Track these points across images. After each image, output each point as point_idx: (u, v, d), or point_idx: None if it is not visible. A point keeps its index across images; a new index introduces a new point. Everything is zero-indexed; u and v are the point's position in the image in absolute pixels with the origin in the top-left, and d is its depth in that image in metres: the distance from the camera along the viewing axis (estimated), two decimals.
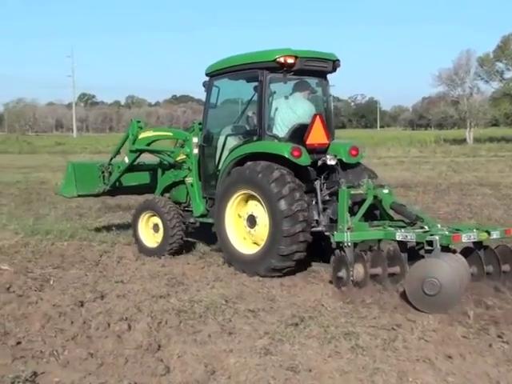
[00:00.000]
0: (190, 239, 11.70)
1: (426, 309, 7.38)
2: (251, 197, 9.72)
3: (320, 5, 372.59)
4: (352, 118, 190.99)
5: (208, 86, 10.74)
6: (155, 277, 9.30)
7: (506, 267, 8.31)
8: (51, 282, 8.88)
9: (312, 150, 9.88)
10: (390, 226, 8.94)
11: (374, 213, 9.56)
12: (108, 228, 13.48)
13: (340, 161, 9.92)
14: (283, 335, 6.60)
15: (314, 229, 9.43)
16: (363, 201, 9.33)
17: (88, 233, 13.13)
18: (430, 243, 7.84)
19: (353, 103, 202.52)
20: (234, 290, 8.46)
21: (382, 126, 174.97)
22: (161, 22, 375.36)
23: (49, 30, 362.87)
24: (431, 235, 7.95)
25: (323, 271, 9.49)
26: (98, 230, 13.57)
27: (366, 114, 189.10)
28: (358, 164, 10.20)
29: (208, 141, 10.75)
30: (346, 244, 8.39)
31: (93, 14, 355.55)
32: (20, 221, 14.64)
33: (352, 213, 9.22)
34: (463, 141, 62.55)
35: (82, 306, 7.69)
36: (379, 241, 8.87)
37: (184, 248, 11.23)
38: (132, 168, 12.51)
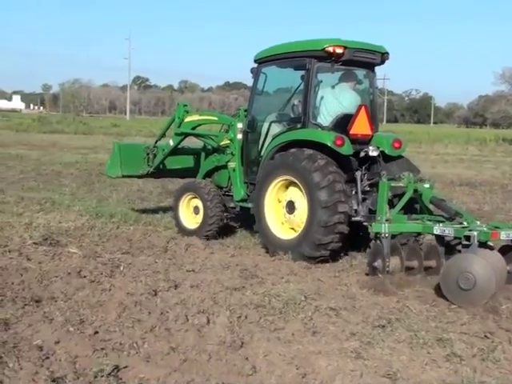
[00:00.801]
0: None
1: (459, 303, 7.41)
2: (292, 183, 9.83)
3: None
4: (405, 113, 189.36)
5: (256, 73, 10.90)
6: (227, 267, 8.95)
7: None
8: (121, 268, 8.58)
9: (355, 141, 9.95)
10: (428, 220, 8.97)
11: (414, 206, 9.58)
12: (171, 213, 13.24)
13: (382, 153, 10.03)
14: (371, 337, 6.25)
15: (352, 218, 9.52)
16: (403, 194, 9.36)
17: (152, 218, 13.00)
18: (468, 238, 7.85)
19: (407, 98, 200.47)
20: (310, 286, 8.08)
21: (435, 122, 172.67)
22: (216, 8, 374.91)
23: (106, 12, 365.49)
24: (470, 231, 7.95)
25: None
26: (161, 214, 13.38)
27: (420, 110, 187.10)
28: (400, 157, 10.25)
29: (252, 127, 10.87)
30: (383, 235, 8.41)
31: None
32: (83, 202, 14.55)
33: (391, 205, 9.40)
34: None
35: (155, 295, 7.40)
36: (418, 234, 9.00)
37: (250, 238, 11.25)
38: (176, 151, 12.75)
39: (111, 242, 10.43)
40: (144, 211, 13.65)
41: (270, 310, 6.95)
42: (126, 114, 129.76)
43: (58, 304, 7.00)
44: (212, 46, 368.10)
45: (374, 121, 10.30)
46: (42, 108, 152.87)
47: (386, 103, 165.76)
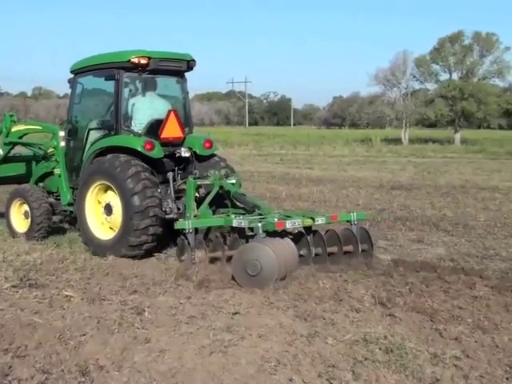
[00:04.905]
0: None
1: (249, 287, 8.04)
2: (109, 187, 10.29)
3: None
4: (264, 116, 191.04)
5: (72, 83, 11.43)
6: (270, 305, 7.40)
7: (332, 249, 9.31)
8: (146, 315, 6.97)
9: (168, 143, 10.71)
10: (233, 214, 9.72)
11: (225, 201, 10.49)
12: None
13: (195, 153, 10.84)
14: None
15: (167, 216, 10.13)
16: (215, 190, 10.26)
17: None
18: (252, 229, 8.74)
19: (265, 101, 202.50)
20: (394, 326, 6.67)
21: (294, 124, 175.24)
22: (67, 9, 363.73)
23: None
24: (260, 222, 8.75)
25: None
26: None
27: (279, 112, 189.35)
28: (212, 156, 11.17)
29: (72, 134, 11.48)
30: (187, 230, 9.02)
31: None
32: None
33: (208, 202, 10.15)
34: (397, 140, 62.14)
35: (226, 352, 5.85)
36: (232, 227, 9.35)
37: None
38: (9, 159, 13.13)
39: (99, 277, 8.70)
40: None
41: (391, 366, 5.56)
42: None
43: (116, 376, 5.32)
44: (66, 51, 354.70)
45: (187, 123, 11.27)
46: None
47: (247, 107, 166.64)
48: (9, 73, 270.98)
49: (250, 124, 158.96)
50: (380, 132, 77.49)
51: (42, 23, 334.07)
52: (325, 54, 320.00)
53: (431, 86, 66.13)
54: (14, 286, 7.97)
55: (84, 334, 6.26)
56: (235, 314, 7.07)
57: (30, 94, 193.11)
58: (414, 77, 64.59)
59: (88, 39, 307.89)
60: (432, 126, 79.95)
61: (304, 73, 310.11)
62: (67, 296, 7.64)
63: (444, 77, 64.71)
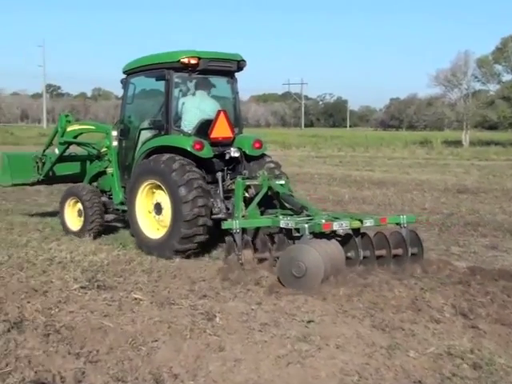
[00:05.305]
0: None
1: (294, 288, 7.93)
2: (157, 186, 10.36)
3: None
4: (320, 117, 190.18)
5: (125, 83, 11.52)
6: (344, 313, 7.13)
7: (381, 252, 9.06)
8: (217, 320, 6.75)
9: (217, 143, 10.71)
10: (281, 214, 9.59)
11: (275, 202, 10.38)
12: None
13: (244, 153, 10.80)
14: None
15: (215, 216, 10.11)
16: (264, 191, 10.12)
17: None
18: (299, 230, 8.63)
19: (321, 102, 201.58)
20: (479, 338, 6.33)
21: (350, 126, 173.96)
22: (130, 14, 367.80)
23: (14, 19, 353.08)
24: (307, 223, 8.60)
25: None
26: None
27: (335, 113, 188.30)
28: (262, 156, 11.08)
29: (124, 134, 11.58)
30: (234, 231, 8.90)
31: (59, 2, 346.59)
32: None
33: (264, 202, 10.14)
34: (457, 143, 60.90)
35: (303, 364, 5.58)
36: (280, 228, 9.17)
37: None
38: (64, 158, 13.36)
39: (167, 280, 8.52)
40: None
41: (482, 383, 5.22)
42: (39, 123, 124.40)
43: None
44: (124, 51, 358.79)
45: (237, 123, 11.26)
46: None
47: (303, 108, 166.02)
48: (69, 73, 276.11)
49: (305, 125, 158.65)
50: (439, 134, 76.10)
51: (102, 24, 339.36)
52: (381, 55, 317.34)
53: (493, 87, 64.50)
54: (82, 288, 7.88)
55: (156, 340, 6.09)
56: (309, 322, 6.80)
57: (89, 94, 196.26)
58: (476, 77, 63.01)
59: (148, 40, 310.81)
60: (492, 128, 78.11)
61: (360, 74, 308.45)
62: (136, 299, 7.49)
63: (507, 77, 63.06)
